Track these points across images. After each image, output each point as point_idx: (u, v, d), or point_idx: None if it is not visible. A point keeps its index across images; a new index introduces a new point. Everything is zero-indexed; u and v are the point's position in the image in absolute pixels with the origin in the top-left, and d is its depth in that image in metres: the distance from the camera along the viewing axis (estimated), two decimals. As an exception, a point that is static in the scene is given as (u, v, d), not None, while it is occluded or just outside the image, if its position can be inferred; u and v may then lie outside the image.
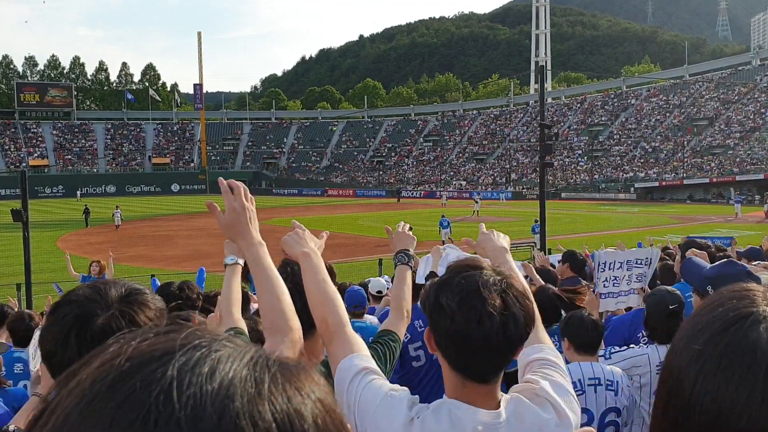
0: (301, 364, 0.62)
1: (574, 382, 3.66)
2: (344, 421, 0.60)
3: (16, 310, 6.80)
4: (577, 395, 3.62)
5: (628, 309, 5.75)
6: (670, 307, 3.98)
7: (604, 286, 5.54)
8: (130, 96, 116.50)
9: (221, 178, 2.10)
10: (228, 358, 0.56)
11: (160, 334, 0.59)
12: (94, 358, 0.57)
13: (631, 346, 4.22)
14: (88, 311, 1.70)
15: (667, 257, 7.80)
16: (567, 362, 3.92)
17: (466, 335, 1.63)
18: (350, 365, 1.87)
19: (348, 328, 2.02)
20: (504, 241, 2.48)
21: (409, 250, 3.03)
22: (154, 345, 0.57)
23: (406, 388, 1.82)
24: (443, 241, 30.13)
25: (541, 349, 2.00)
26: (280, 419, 0.53)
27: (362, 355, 1.93)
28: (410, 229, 3.27)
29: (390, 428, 1.69)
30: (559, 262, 7.56)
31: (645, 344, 4.12)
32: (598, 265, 5.65)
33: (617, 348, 4.20)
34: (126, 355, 0.56)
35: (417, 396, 1.79)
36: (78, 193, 79.05)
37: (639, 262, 5.70)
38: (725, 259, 3.27)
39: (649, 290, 5.22)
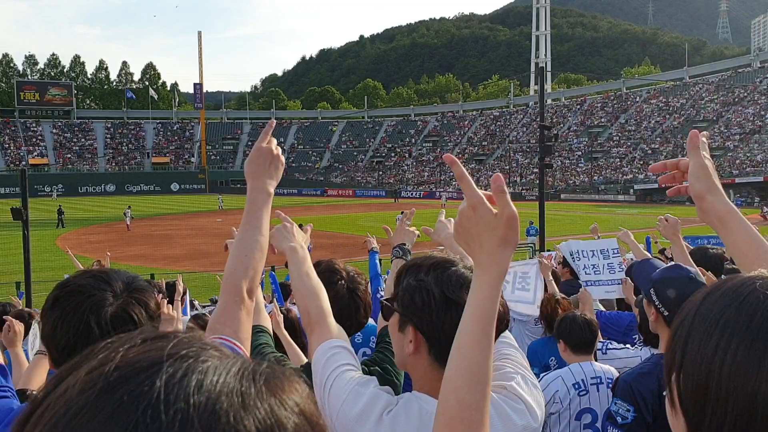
0: (287, 372, 0.62)
1: (577, 383, 3.69)
2: (324, 428, 0.61)
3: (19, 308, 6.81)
4: (582, 395, 3.68)
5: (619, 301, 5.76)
6: (665, 314, 4.00)
7: (585, 273, 5.45)
8: (130, 94, 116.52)
9: (273, 120, 2.17)
10: (215, 369, 0.57)
11: (148, 341, 0.59)
12: (82, 363, 0.57)
13: (627, 346, 4.25)
14: (100, 299, 1.70)
15: (660, 257, 7.79)
16: (566, 364, 3.95)
17: (434, 327, 1.70)
18: (322, 353, 1.84)
19: (329, 319, 2.00)
20: None
21: (405, 244, 3.10)
22: (142, 353, 0.57)
23: (374, 378, 1.80)
24: None
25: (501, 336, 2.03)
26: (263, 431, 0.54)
27: (336, 341, 1.90)
28: (411, 213, 3.34)
29: (358, 424, 1.65)
30: (559, 263, 7.56)
31: (639, 347, 4.14)
32: (570, 254, 5.60)
33: (614, 344, 4.22)
34: (114, 363, 0.56)
35: (388, 387, 1.77)
36: (54, 192, 78.75)
37: (612, 251, 5.63)
38: (672, 263, 3.29)
39: (629, 281, 5.24)
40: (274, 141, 2.03)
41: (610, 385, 3.70)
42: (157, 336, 0.60)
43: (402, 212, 35.63)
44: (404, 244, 3.10)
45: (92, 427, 0.51)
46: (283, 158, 2.04)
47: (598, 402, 3.69)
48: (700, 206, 1.63)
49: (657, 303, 2.88)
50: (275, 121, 2.16)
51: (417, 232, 3.19)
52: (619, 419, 2.80)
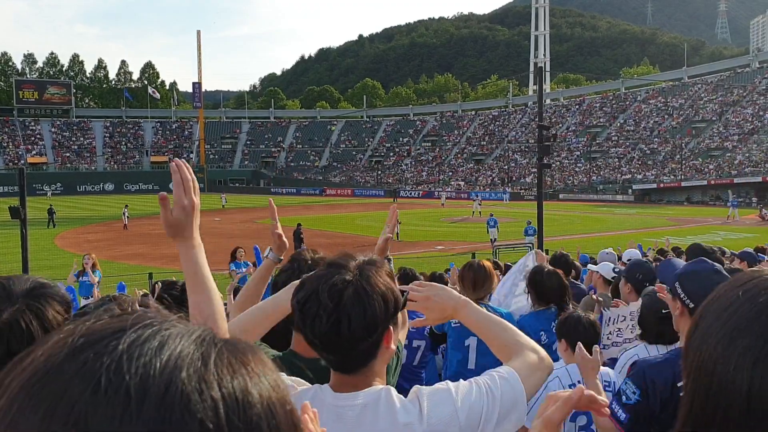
0: (249, 344, 0.64)
1: (574, 384, 3.69)
2: (288, 397, 0.62)
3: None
4: None
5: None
6: (663, 311, 4.01)
7: (608, 338, 4.96)
8: (127, 94, 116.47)
9: (177, 161, 1.97)
10: (177, 335, 0.59)
11: (114, 316, 0.61)
12: (48, 339, 0.59)
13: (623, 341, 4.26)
14: None
15: (660, 257, 7.81)
16: (555, 337, 3.93)
17: (305, 334, 1.73)
18: None
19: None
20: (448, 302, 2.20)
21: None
22: (107, 324, 0.59)
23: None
24: (493, 239, 30.05)
25: (497, 371, 1.89)
26: (226, 391, 0.56)
27: None
28: (395, 200, 3.29)
29: None
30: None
31: (635, 341, 4.15)
32: (605, 321, 5.04)
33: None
34: (79, 333, 0.58)
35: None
36: (49, 191, 78.65)
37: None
38: (697, 258, 3.30)
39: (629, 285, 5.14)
40: (192, 181, 1.97)
41: (607, 388, 3.69)
42: (123, 312, 0.63)
43: (395, 199, 35.29)
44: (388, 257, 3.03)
45: (58, 386, 0.53)
46: (196, 201, 1.92)
47: None
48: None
49: (682, 296, 2.87)
50: (179, 165, 1.97)
51: (390, 235, 3.08)
52: (623, 398, 2.90)
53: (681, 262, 3.43)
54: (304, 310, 1.72)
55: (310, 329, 1.70)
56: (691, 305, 2.83)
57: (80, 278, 13.21)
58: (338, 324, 1.66)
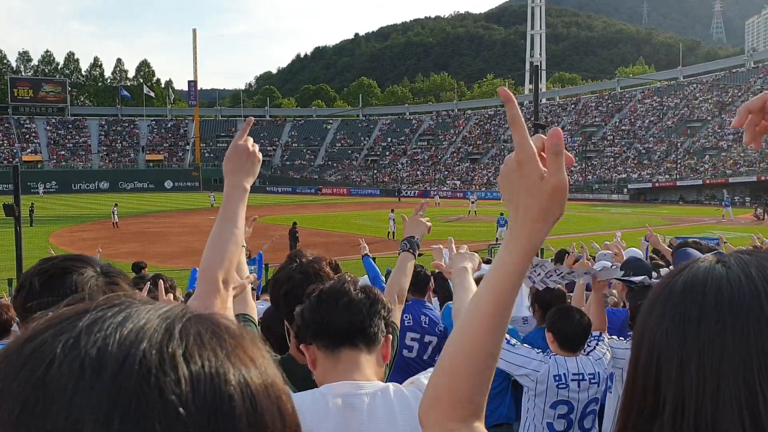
0: (225, 319, 0.60)
1: (558, 375, 3.76)
2: (275, 374, 0.59)
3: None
4: (560, 388, 3.73)
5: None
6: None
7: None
8: (124, 92, 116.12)
9: (251, 118, 2.27)
10: (143, 310, 0.57)
11: (85, 301, 0.59)
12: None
13: (621, 338, 4.29)
14: (85, 277, 1.77)
15: (656, 256, 7.83)
16: (552, 354, 3.96)
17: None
18: None
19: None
20: (468, 261, 2.24)
21: (414, 237, 2.99)
22: (75, 308, 0.57)
23: None
24: (497, 238, 30.07)
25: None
26: (194, 365, 0.53)
27: None
28: (426, 205, 3.18)
29: None
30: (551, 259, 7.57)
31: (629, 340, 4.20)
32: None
33: (605, 336, 4.24)
34: (45, 319, 0.57)
35: None
36: (41, 189, 78.41)
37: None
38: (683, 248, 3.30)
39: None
40: (251, 139, 2.15)
41: (593, 380, 3.77)
42: (95, 298, 0.60)
43: (392, 210, 34.92)
44: (413, 237, 2.99)
45: (14, 368, 0.52)
46: (260, 155, 2.14)
47: (577, 396, 3.77)
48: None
49: None
50: (253, 119, 2.26)
51: (429, 224, 3.07)
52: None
53: (697, 253, 3.41)
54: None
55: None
56: None
57: None
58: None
